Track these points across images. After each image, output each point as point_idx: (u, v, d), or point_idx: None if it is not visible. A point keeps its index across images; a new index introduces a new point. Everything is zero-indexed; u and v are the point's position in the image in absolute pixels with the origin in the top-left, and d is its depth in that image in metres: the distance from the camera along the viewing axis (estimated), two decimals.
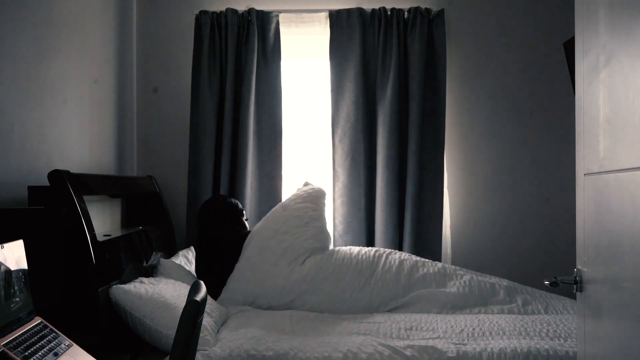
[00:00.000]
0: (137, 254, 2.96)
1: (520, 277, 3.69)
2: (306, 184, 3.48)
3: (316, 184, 3.52)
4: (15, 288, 1.75)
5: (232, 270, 3.08)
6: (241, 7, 3.82)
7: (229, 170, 3.76)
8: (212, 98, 3.77)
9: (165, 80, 3.96)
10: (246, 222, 3.35)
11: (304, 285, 2.96)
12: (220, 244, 3.16)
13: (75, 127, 3.07)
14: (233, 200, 3.34)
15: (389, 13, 3.80)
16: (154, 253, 3.17)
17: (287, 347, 2.31)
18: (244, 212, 3.39)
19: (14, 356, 1.56)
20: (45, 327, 1.83)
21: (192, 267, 3.28)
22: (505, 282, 3.13)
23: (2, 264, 1.69)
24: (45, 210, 2.27)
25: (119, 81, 3.68)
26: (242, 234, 3.24)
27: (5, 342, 1.59)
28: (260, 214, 3.76)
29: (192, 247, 3.51)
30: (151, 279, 2.68)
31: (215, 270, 3.12)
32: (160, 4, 3.96)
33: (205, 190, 3.74)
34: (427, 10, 3.79)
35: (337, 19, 3.81)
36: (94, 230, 2.38)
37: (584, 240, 1.64)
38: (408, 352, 2.28)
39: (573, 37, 1.73)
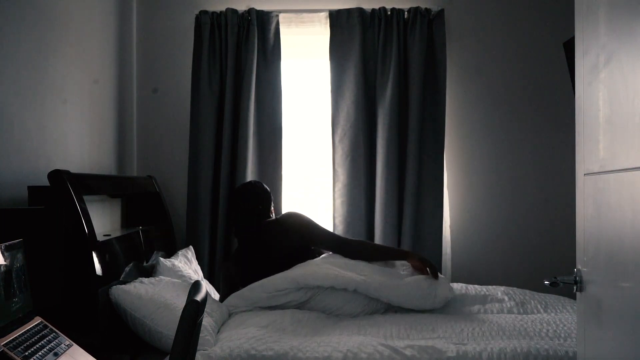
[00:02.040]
0: (137, 254, 2.96)
1: (520, 277, 3.70)
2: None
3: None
4: (15, 288, 1.75)
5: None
6: (241, 7, 3.82)
7: (229, 170, 3.76)
8: (212, 98, 3.77)
9: (165, 80, 3.96)
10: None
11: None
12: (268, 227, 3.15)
13: (75, 127, 3.07)
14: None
15: (389, 13, 3.80)
16: (154, 253, 3.17)
17: (287, 347, 2.31)
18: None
19: (14, 356, 1.56)
20: (45, 327, 1.83)
21: (192, 267, 3.27)
22: (502, 288, 3.16)
23: (2, 264, 1.69)
24: (45, 210, 2.27)
25: (119, 81, 3.68)
26: (272, 221, 3.20)
27: (5, 342, 1.59)
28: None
29: (191, 247, 3.51)
30: (151, 279, 2.68)
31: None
32: (160, 4, 3.96)
33: (205, 190, 3.74)
34: (427, 10, 3.79)
35: (337, 19, 3.81)
36: (94, 230, 2.38)
37: (584, 240, 1.64)
38: (408, 352, 2.28)
39: (573, 37, 1.73)
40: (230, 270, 3.16)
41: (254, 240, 3.15)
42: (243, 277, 3.08)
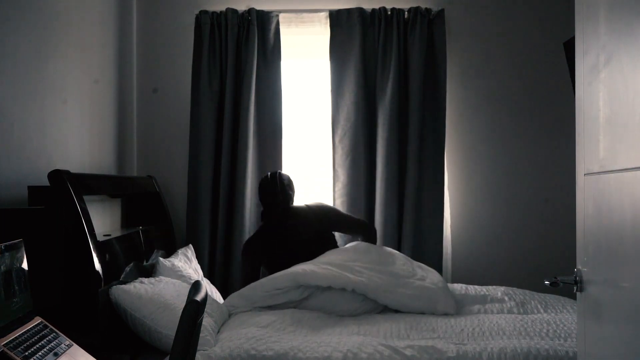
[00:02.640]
0: (137, 254, 2.97)
1: (520, 277, 3.70)
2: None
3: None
4: (15, 288, 1.75)
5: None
6: (241, 7, 3.82)
7: (229, 170, 3.76)
8: (212, 98, 3.77)
9: (165, 80, 3.96)
10: None
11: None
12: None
13: (75, 127, 3.07)
14: None
15: (389, 13, 3.80)
16: (154, 252, 3.17)
17: (287, 347, 2.31)
18: None
19: (14, 356, 1.56)
20: (45, 327, 1.83)
21: (192, 266, 3.28)
22: (502, 288, 3.16)
23: (2, 263, 1.69)
24: (45, 210, 2.27)
25: (119, 81, 3.68)
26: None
27: (5, 342, 1.59)
28: (260, 214, 3.76)
29: (190, 246, 3.51)
30: (151, 279, 2.68)
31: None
32: (160, 4, 3.96)
33: (205, 190, 3.74)
34: (427, 10, 3.79)
35: (337, 19, 3.81)
36: (94, 230, 2.38)
37: (584, 240, 1.64)
38: (408, 352, 2.28)
39: (573, 37, 1.73)
40: (256, 249, 3.31)
41: (282, 222, 3.33)
42: (270, 255, 3.28)
